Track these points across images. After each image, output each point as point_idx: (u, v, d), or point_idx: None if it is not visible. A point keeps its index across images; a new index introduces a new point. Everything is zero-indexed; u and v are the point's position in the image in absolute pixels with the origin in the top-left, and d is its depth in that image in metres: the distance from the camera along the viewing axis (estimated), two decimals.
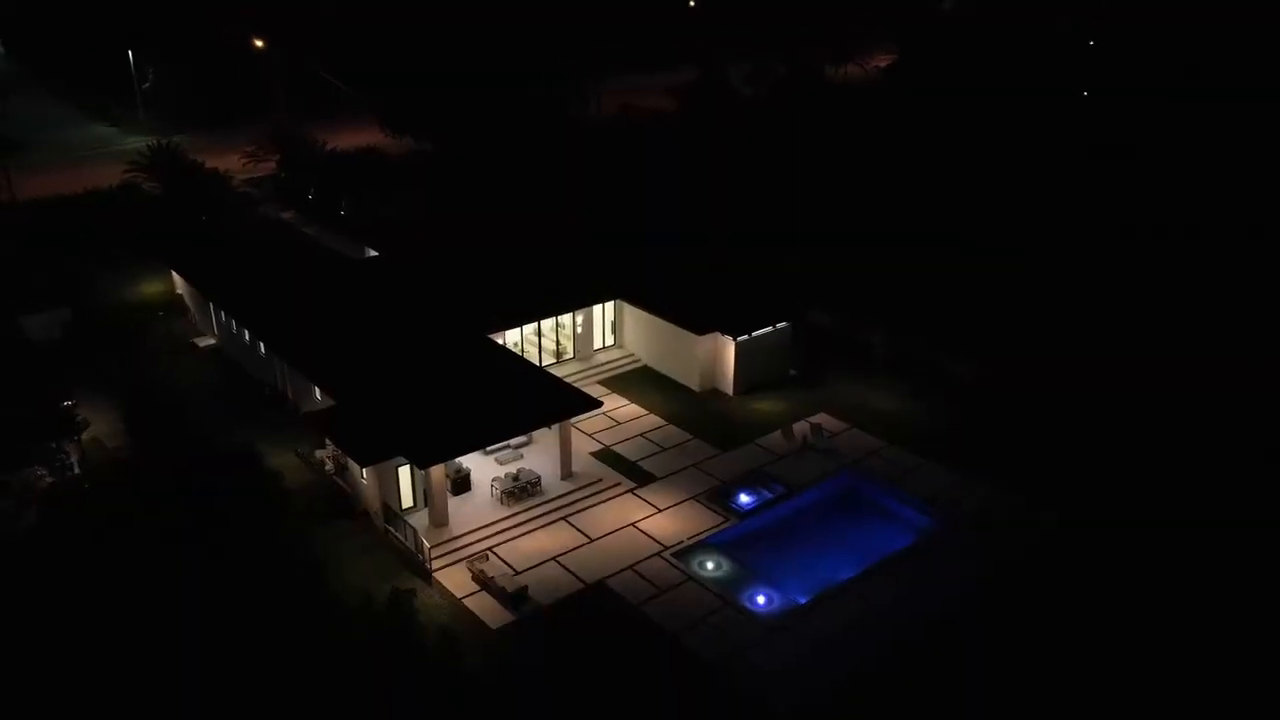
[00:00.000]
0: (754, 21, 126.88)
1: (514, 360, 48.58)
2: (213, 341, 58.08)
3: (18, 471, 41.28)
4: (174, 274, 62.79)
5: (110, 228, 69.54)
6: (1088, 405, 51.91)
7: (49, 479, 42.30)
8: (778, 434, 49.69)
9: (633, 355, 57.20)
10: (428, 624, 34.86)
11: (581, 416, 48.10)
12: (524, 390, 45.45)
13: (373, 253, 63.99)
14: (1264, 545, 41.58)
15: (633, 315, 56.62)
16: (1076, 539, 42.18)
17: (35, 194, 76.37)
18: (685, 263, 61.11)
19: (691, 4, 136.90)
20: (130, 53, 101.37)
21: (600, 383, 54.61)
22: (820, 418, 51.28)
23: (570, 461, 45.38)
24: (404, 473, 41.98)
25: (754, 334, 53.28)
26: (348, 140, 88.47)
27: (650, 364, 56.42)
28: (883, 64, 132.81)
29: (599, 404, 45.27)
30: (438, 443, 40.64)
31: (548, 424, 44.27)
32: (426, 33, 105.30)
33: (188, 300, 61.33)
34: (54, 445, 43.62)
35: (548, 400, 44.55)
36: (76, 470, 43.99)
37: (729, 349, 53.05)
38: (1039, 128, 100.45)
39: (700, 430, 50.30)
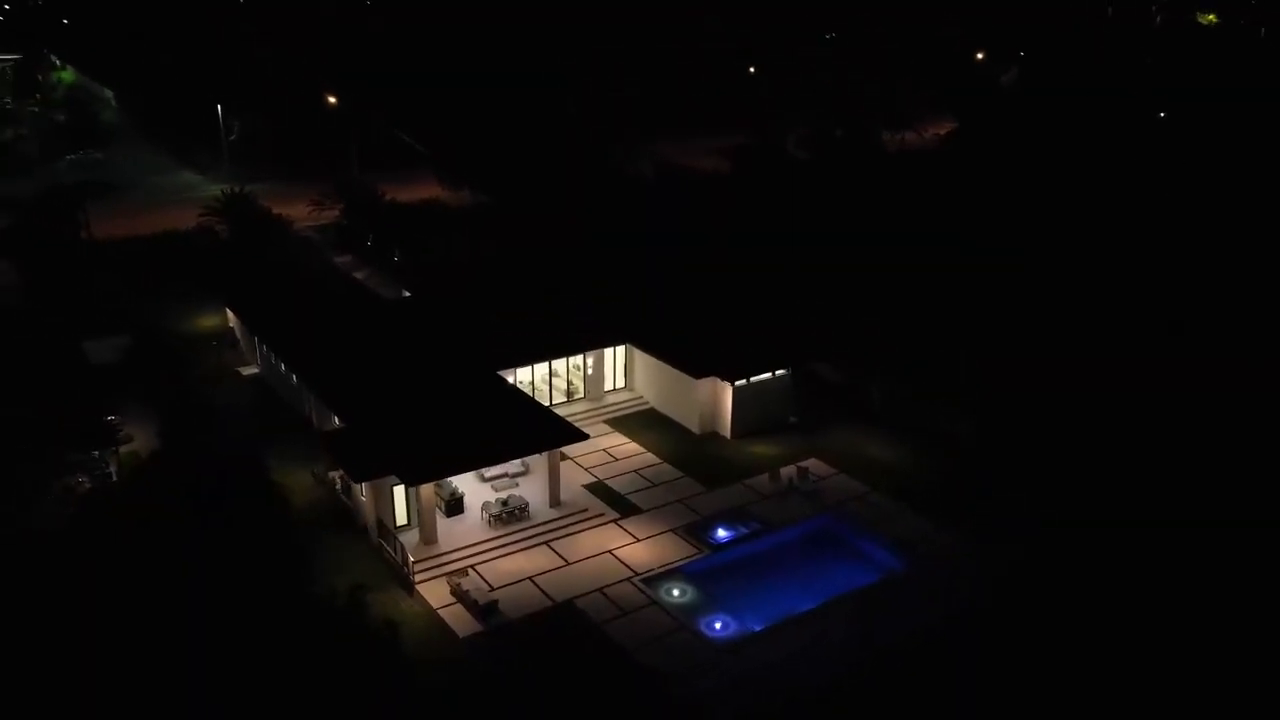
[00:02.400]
0: (812, 86, 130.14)
1: (514, 395, 51.82)
2: (255, 370, 62.81)
3: (60, 477, 46.02)
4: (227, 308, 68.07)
5: (179, 266, 76.00)
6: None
7: (88, 485, 46.92)
8: (765, 476, 51.86)
9: (641, 397, 59.99)
10: (380, 617, 37.99)
11: (578, 451, 51.35)
12: (517, 422, 48.61)
13: (407, 294, 68.43)
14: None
15: (642, 359, 59.47)
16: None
17: (117, 234, 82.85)
18: (695, 308, 63.21)
19: (751, 70, 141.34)
20: (219, 106, 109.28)
21: (606, 421, 57.44)
22: (810, 462, 53.16)
23: (559, 490, 48.23)
24: (399, 492, 45.34)
25: (751, 380, 55.67)
26: (415, 193, 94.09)
27: (656, 406, 59.10)
28: (942, 132, 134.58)
29: (585, 436, 48.14)
30: (427, 464, 44.01)
31: (533, 453, 47.44)
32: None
33: (237, 332, 66.38)
34: (96, 455, 48.50)
35: (537, 431, 47.68)
36: (114, 478, 48.57)
37: (727, 393, 55.49)
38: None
39: (693, 469, 52.65)
